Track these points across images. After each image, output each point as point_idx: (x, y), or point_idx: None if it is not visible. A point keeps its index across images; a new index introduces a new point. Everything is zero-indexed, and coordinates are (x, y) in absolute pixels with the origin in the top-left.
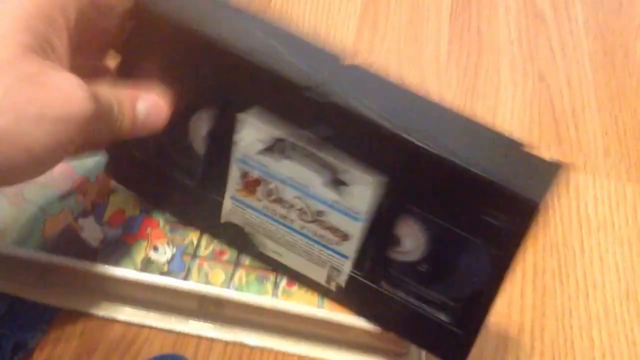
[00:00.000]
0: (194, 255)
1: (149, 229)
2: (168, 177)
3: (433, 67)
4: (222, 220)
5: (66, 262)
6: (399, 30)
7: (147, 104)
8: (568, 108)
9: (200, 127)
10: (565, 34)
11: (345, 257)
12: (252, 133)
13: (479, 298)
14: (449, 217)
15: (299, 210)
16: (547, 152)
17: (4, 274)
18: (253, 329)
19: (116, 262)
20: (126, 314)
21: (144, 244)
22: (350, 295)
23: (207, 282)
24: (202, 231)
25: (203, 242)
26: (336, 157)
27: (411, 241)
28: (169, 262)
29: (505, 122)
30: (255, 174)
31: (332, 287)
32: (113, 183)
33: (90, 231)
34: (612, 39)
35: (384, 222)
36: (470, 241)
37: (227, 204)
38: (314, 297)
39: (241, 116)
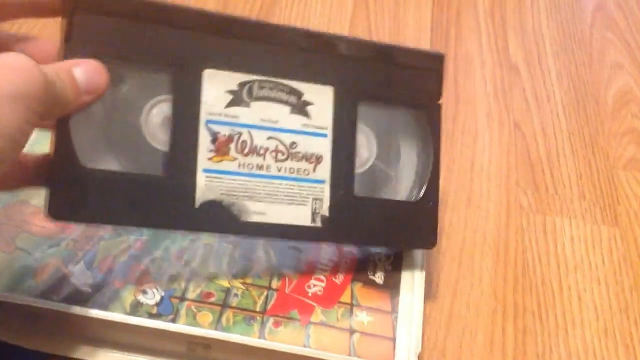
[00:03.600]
0: (182, 298)
1: (137, 273)
2: (131, 182)
3: None
4: (198, 203)
5: (56, 307)
6: None
7: (84, 68)
8: (543, 154)
9: (154, 117)
10: (539, 85)
11: (323, 181)
12: (218, 86)
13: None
14: (386, 97)
15: (274, 151)
16: (524, 196)
17: None
18: None
19: (106, 306)
20: (116, 359)
21: (133, 288)
22: (336, 222)
23: (195, 324)
24: (178, 228)
25: (191, 285)
26: (296, 79)
27: (365, 150)
28: (158, 304)
29: (484, 169)
30: (225, 130)
31: (318, 222)
32: (103, 230)
33: (80, 276)
34: (584, 89)
35: (345, 133)
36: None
37: (201, 180)
38: (300, 337)
39: (207, 72)
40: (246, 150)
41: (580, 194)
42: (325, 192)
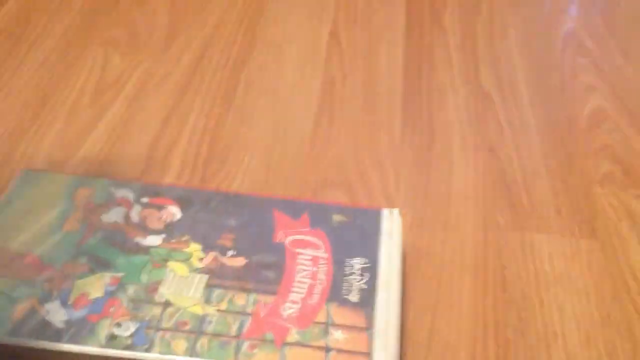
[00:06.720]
0: (157, 328)
1: (112, 308)
2: None
3: (389, 148)
4: None
5: (33, 343)
6: (354, 118)
7: None
8: (519, 175)
9: None
10: (512, 109)
11: None
12: None
13: None
14: None
15: None
16: (501, 216)
17: None
18: None
19: (81, 341)
20: None
21: (108, 321)
22: None
23: (170, 352)
24: None
25: (166, 315)
26: None
27: None
28: (133, 336)
29: (460, 193)
30: None
31: None
32: (79, 270)
33: (56, 314)
34: (557, 111)
35: None
36: None
37: None
38: (275, 358)
39: None
40: None
41: (557, 211)
42: None
